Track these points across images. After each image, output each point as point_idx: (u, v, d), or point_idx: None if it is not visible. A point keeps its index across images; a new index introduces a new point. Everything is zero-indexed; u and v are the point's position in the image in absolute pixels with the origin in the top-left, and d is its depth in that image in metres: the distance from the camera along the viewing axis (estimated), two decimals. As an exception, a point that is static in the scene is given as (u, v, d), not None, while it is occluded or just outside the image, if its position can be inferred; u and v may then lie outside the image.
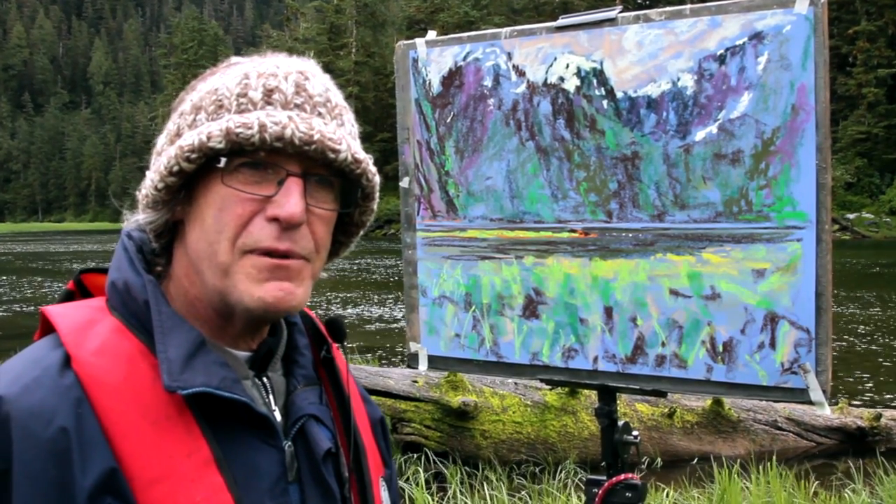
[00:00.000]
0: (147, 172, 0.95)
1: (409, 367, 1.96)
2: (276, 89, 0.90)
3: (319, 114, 0.91)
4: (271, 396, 0.96)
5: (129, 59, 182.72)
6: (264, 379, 0.97)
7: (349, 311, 14.67)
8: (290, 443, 0.94)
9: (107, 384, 0.84)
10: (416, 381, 5.48)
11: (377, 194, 1.01)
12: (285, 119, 0.87)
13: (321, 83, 0.94)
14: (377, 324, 13.16)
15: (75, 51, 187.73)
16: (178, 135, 0.92)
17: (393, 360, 9.47)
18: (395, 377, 5.52)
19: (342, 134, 0.91)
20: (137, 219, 0.94)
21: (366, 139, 0.99)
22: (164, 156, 0.91)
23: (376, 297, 16.71)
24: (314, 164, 0.90)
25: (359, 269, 24.23)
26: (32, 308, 16.15)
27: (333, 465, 1.00)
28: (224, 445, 0.88)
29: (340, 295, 16.98)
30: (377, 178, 0.97)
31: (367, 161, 0.94)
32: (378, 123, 55.03)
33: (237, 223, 0.88)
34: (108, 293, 0.94)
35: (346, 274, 22.39)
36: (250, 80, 0.90)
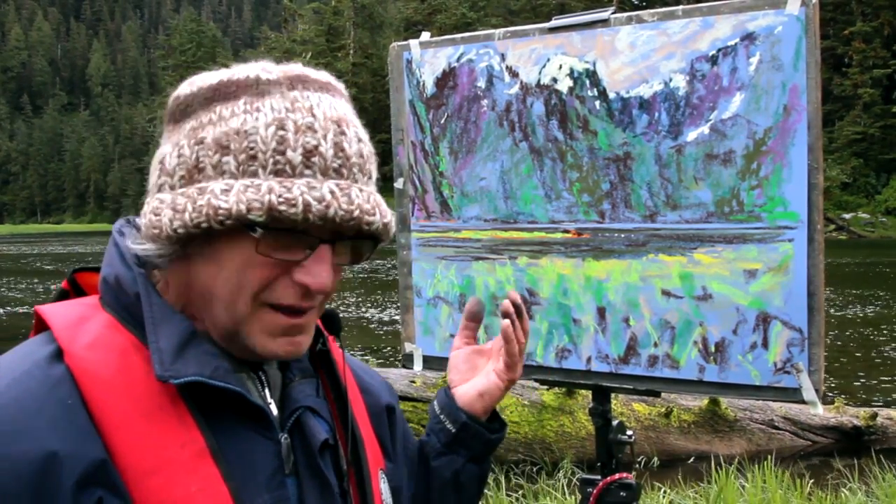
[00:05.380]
0: (156, 196, 0.90)
1: (403, 367, 1.96)
2: (316, 151, 0.87)
3: (355, 178, 0.89)
4: (267, 390, 0.96)
5: (128, 60, 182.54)
6: (259, 373, 0.97)
7: (347, 311, 14.66)
8: (286, 435, 0.94)
9: (99, 377, 0.84)
10: (413, 382, 5.49)
11: None
12: (328, 196, 0.85)
13: (355, 133, 0.91)
14: (375, 324, 13.16)
15: (74, 53, 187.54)
16: (199, 169, 0.88)
17: (391, 360, 9.47)
18: (393, 377, 5.52)
19: (375, 199, 0.91)
20: (144, 248, 0.90)
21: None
22: (185, 198, 0.87)
23: (374, 297, 16.71)
24: (344, 230, 0.90)
25: (356, 269, 24.22)
26: (22, 310, 16.14)
27: (332, 457, 1.00)
28: (219, 437, 0.88)
29: (338, 295, 16.99)
30: (392, 225, 0.96)
31: (391, 218, 0.94)
32: (376, 125, 54.71)
33: (262, 283, 0.88)
34: (101, 289, 0.94)
35: (343, 274, 22.37)
36: (287, 134, 0.86)
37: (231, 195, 0.85)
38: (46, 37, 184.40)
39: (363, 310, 14.93)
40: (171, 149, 0.91)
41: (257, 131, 0.86)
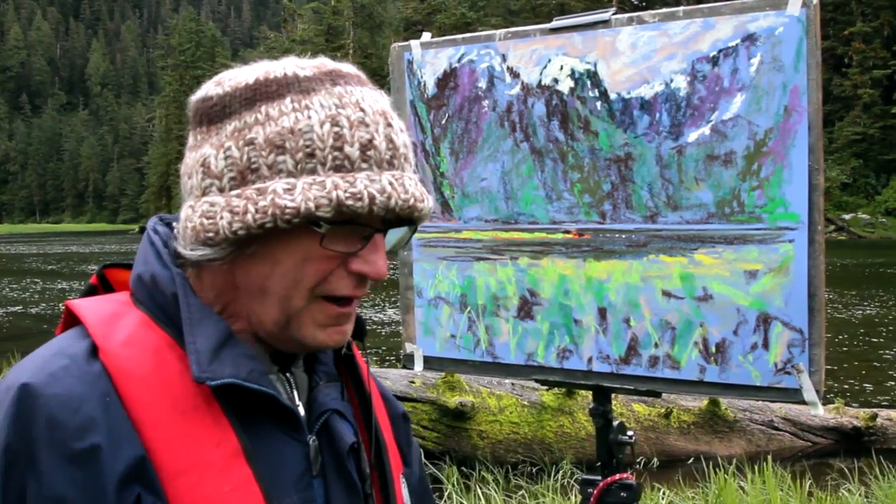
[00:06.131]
0: (204, 199, 0.90)
1: (404, 367, 1.96)
2: (371, 145, 0.89)
3: (403, 168, 0.92)
4: (295, 392, 0.98)
5: (127, 60, 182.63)
6: (287, 374, 0.98)
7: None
8: (314, 437, 0.96)
9: (135, 375, 0.85)
10: (413, 382, 5.48)
11: None
12: (388, 187, 0.88)
13: (398, 125, 0.93)
14: (374, 325, 13.16)
15: (73, 52, 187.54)
16: (253, 170, 0.88)
17: (390, 360, 9.47)
18: (393, 378, 5.52)
19: (421, 186, 0.94)
20: (201, 253, 0.90)
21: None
22: (243, 200, 0.87)
23: (373, 297, 16.71)
24: (397, 218, 0.93)
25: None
26: (21, 310, 16.13)
27: (355, 460, 1.01)
28: (250, 437, 0.89)
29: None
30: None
31: (433, 202, 0.98)
32: (375, 124, 54.82)
33: (320, 277, 0.90)
34: (134, 287, 0.94)
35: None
36: (343, 130, 0.88)
37: (296, 193, 0.86)
38: (45, 36, 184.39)
39: (362, 310, 14.91)
40: (214, 151, 0.90)
41: (312, 129, 0.88)
